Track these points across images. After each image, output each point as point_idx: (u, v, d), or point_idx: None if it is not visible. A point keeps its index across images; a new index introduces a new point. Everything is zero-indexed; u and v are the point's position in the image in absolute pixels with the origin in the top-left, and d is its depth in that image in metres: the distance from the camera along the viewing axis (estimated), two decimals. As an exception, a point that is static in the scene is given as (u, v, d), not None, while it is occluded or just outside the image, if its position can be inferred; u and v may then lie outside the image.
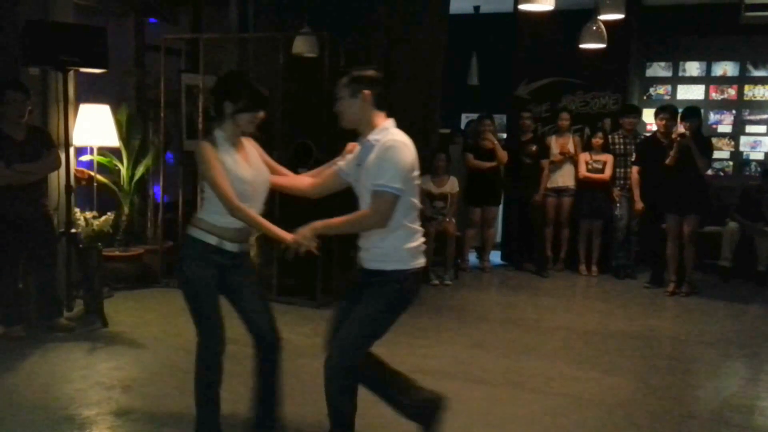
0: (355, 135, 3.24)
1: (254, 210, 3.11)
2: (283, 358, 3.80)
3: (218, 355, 3.26)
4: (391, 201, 2.90)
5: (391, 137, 2.96)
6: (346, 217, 3.01)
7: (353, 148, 3.17)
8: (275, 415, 3.43)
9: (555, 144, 7.86)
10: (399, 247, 3.00)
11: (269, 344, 3.34)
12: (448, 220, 7.27)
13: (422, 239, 3.10)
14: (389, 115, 3.18)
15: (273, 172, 3.29)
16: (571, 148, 7.81)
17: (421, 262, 3.07)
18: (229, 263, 3.17)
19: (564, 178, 7.82)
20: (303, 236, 2.94)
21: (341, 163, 3.21)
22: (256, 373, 3.39)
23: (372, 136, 2.99)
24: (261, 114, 3.13)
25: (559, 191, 7.84)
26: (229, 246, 3.15)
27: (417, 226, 3.08)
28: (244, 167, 3.11)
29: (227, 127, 3.11)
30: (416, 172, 3.03)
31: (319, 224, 2.98)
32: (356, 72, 3.04)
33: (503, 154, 7.74)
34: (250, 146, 3.24)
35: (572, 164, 7.80)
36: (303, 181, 3.35)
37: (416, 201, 3.06)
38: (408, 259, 3.02)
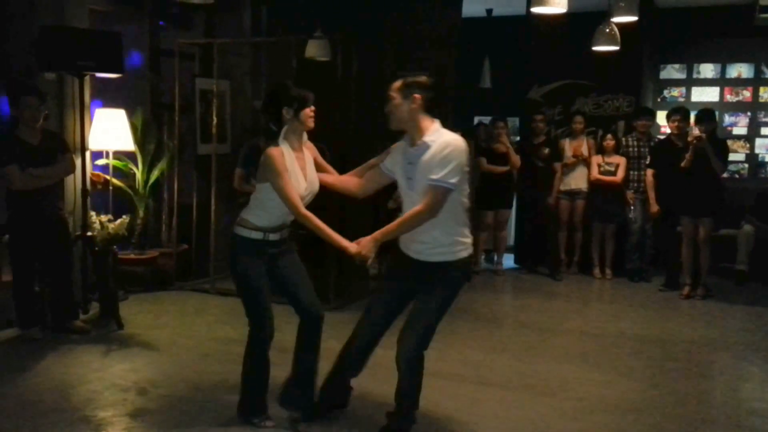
0: (365, 137, 3.40)
1: (291, 216, 3.43)
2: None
3: (266, 342, 3.54)
4: (444, 195, 3.20)
5: (447, 137, 3.26)
6: (401, 219, 3.30)
7: (396, 147, 3.45)
8: (310, 392, 3.68)
9: (568, 147, 7.83)
10: (459, 239, 3.34)
11: (314, 317, 3.61)
12: None
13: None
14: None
15: (323, 171, 3.60)
16: (584, 150, 7.79)
17: (471, 251, 3.43)
18: (275, 251, 3.49)
19: (577, 180, 7.79)
20: (365, 247, 3.24)
21: (385, 161, 3.47)
22: (297, 348, 3.67)
23: (428, 137, 3.27)
24: (312, 106, 3.43)
25: (572, 194, 7.81)
26: (273, 236, 3.47)
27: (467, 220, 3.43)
28: (301, 182, 3.41)
29: (289, 132, 3.42)
30: (467, 169, 3.33)
31: (378, 234, 3.27)
32: (410, 78, 3.33)
33: (516, 159, 7.72)
34: (308, 153, 3.55)
35: (585, 167, 7.78)
36: (351, 181, 3.62)
37: (466, 196, 3.39)
38: (466, 248, 3.37)
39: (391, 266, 3.55)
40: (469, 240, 3.41)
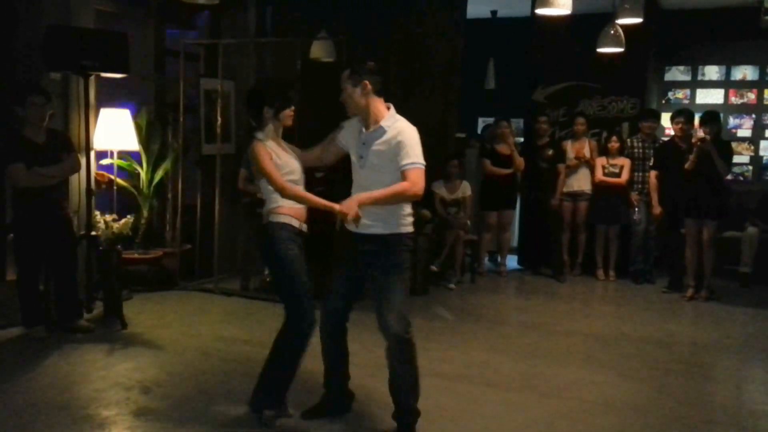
0: None
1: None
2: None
3: (307, 332, 3.56)
4: (421, 172, 3.37)
5: (401, 124, 3.43)
6: (388, 189, 3.37)
7: (349, 124, 3.61)
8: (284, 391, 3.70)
9: (571, 148, 7.83)
10: (399, 212, 3.46)
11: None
12: (465, 221, 7.29)
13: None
14: (406, 119, 3.47)
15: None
16: (587, 152, 7.78)
17: (411, 229, 3.54)
18: (301, 243, 3.60)
19: (580, 182, 7.79)
20: (348, 207, 3.30)
21: (339, 134, 3.64)
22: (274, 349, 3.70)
23: (384, 122, 3.43)
24: (293, 107, 3.60)
25: (575, 196, 7.81)
26: (304, 227, 3.62)
27: None
28: (291, 160, 3.58)
29: (269, 129, 3.58)
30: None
31: (363, 196, 3.35)
32: (357, 65, 3.47)
33: (520, 161, 7.72)
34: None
35: (588, 169, 7.78)
36: (311, 154, 3.76)
37: None
38: (406, 225, 3.49)
39: (336, 251, 3.58)
40: (410, 218, 3.51)
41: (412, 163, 3.34)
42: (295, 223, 3.56)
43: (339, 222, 3.40)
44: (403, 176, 3.36)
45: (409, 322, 3.46)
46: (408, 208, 3.51)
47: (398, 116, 3.48)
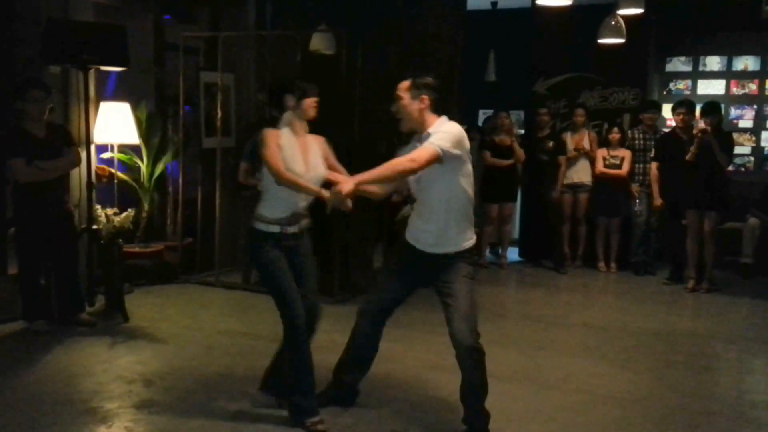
0: (374, 136, 3.43)
1: (302, 202, 3.53)
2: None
3: (301, 331, 3.50)
4: (431, 154, 3.23)
5: (449, 122, 3.39)
6: (385, 165, 3.29)
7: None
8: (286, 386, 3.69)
9: (570, 140, 7.82)
10: (466, 233, 3.46)
11: (313, 308, 3.64)
12: None
13: None
14: None
15: (333, 171, 3.59)
16: (586, 144, 7.77)
17: (474, 241, 3.56)
18: (294, 243, 3.55)
19: (579, 174, 7.78)
20: (346, 181, 3.26)
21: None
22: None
23: (431, 128, 3.36)
24: (316, 98, 3.53)
25: (575, 187, 7.80)
26: (291, 229, 3.52)
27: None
28: (299, 162, 3.45)
29: (291, 119, 3.50)
30: (467, 146, 3.37)
31: (358, 177, 3.28)
32: (419, 79, 3.41)
33: (521, 153, 7.72)
34: (315, 143, 3.59)
35: (588, 160, 7.76)
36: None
37: (472, 188, 3.44)
38: (471, 240, 3.50)
39: (397, 259, 3.56)
40: (474, 235, 3.53)
41: (429, 143, 3.27)
42: (274, 229, 3.51)
43: (331, 203, 3.31)
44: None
45: (479, 332, 3.45)
46: (472, 226, 3.51)
47: (449, 122, 3.44)
